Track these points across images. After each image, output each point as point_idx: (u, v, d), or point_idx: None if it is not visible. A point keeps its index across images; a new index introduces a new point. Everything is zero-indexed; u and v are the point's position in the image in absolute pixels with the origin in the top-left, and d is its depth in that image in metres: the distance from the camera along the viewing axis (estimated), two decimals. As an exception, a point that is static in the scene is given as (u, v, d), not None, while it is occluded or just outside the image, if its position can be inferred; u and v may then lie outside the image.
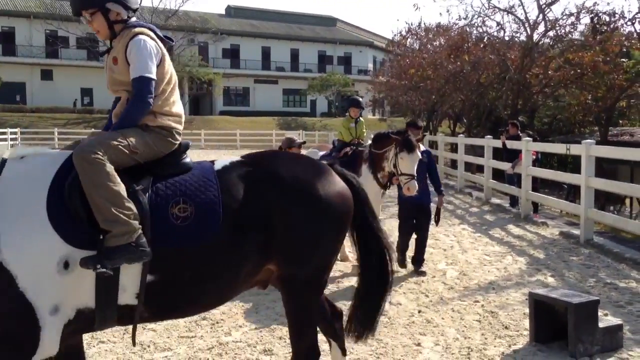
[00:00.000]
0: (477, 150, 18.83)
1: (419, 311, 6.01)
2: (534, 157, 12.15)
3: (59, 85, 53.22)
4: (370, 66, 66.12)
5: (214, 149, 40.46)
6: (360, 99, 8.85)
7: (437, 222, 7.76)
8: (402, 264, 7.60)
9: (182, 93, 56.55)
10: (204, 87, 57.12)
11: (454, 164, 20.42)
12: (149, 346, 5.02)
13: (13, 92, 50.63)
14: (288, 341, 5.13)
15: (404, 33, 32.44)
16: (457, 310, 6.04)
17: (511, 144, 12.73)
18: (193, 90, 59.01)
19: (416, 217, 7.55)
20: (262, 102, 62.25)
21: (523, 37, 23.87)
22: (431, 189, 7.85)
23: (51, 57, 53.43)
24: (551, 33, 23.14)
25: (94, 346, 4.99)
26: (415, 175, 6.87)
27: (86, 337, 5.12)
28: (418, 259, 7.59)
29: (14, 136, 38.41)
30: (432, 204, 7.77)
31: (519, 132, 13.30)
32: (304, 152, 8.62)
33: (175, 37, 53.48)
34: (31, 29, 52.07)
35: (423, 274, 7.43)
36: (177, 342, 5.11)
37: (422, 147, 7.33)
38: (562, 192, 17.65)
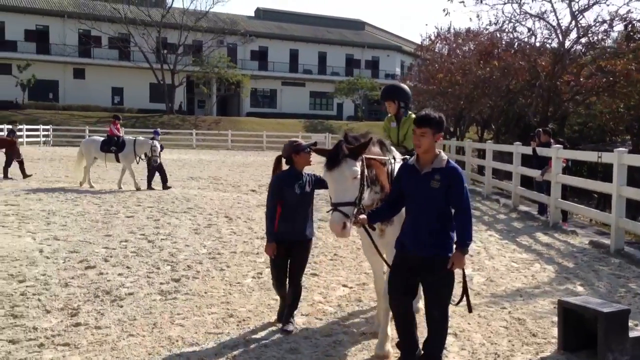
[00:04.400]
0: (505, 157, 18.65)
1: (445, 316, 5.97)
2: (564, 164, 12.01)
3: (90, 84, 54.16)
4: (398, 70, 65.95)
5: (241, 150, 40.77)
6: (404, 86, 5.99)
7: (468, 305, 4.40)
8: None
9: (211, 94, 57.25)
10: (232, 89, 57.59)
11: (481, 170, 20.25)
12: (177, 341, 5.09)
13: (46, 89, 51.75)
14: (314, 340, 5.19)
15: (432, 38, 32.27)
16: (484, 316, 6.01)
17: (541, 151, 12.59)
18: (221, 91, 59.60)
19: (421, 280, 4.37)
20: (289, 104, 62.52)
21: (554, 44, 23.58)
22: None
23: (84, 56, 54.48)
24: (583, 40, 22.81)
25: (123, 339, 5.08)
26: (341, 203, 4.25)
27: (116, 331, 5.23)
28: (427, 355, 4.35)
29: (46, 133, 39.22)
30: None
31: (551, 139, 13.12)
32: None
33: (205, 39, 54.20)
34: (65, 28, 53.19)
35: None
36: (204, 338, 5.17)
37: (444, 158, 4.18)
38: (592, 201, 17.40)
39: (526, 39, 24.92)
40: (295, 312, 5.55)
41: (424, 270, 4.23)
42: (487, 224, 12.10)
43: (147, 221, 11.04)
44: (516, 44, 25.29)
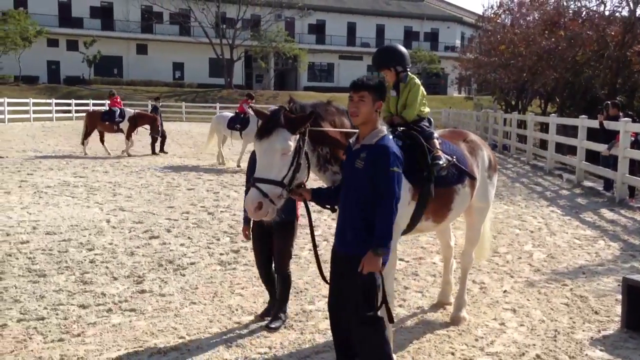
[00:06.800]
0: (569, 131, 18.02)
1: (504, 292, 5.91)
2: (633, 138, 11.52)
3: (152, 60, 55.43)
4: (458, 42, 64.37)
5: (298, 124, 40.97)
6: (397, 47, 4.63)
7: (388, 315, 3.51)
8: None
9: (268, 68, 57.57)
10: (290, 63, 57.67)
11: (543, 144, 19.66)
12: (237, 309, 5.24)
13: (111, 65, 53.31)
14: (370, 313, 5.22)
15: (495, 8, 31.33)
16: (544, 292, 5.90)
17: (609, 125, 12.11)
18: (279, 65, 59.82)
19: (344, 280, 3.58)
20: (346, 78, 61.99)
21: (625, 12, 22.49)
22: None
23: (146, 32, 55.67)
24: (657, 7, 21.66)
25: (186, 306, 5.27)
26: (262, 179, 3.58)
27: (179, 298, 5.42)
28: None
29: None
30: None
31: (620, 113, 12.56)
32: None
33: (263, 13, 54.39)
34: (128, 5, 54.38)
35: None
36: (263, 307, 5.28)
37: (381, 134, 3.53)
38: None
39: (595, 8, 23.90)
40: (286, 307, 4.98)
41: (346, 272, 3.50)
42: (549, 199, 11.79)
43: (207, 194, 11.32)
44: (584, 12, 24.30)
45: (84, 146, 17.91)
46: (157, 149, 18.62)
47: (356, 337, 3.54)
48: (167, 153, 18.48)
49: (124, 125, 17.99)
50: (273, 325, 4.82)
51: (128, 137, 18.02)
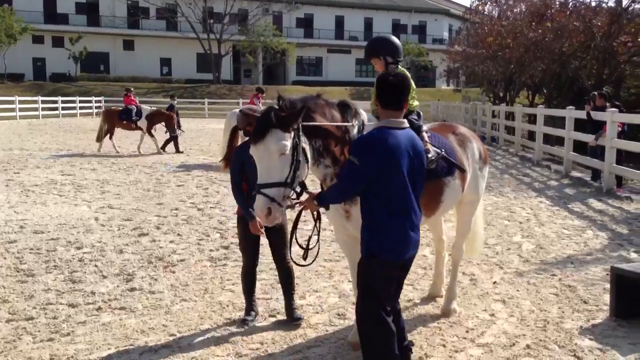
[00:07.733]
0: (557, 122, 18.12)
1: (494, 283, 5.94)
2: (620, 129, 11.60)
3: (139, 55, 55.09)
4: (446, 35, 64.50)
5: (287, 119, 40.86)
6: (391, 38, 4.55)
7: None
8: None
9: (257, 63, 57.40)
10: (278, 57, 57.53)
11: (531, 135, 19.77)
12: (227, 306, 5.23)
13: (97, 61, 52.93)
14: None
15: (482, -1, 31.38)
16: (533, 283, 5.93)
17: (596, 115, 12.18)
18: (267, 60, 59.60)
19: None
20: (334, 72, 62.10)
21: (611, 3, 22.62)
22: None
23: (133, 28, 55.29)
24: (643, -2, 21.77)
25: (177, 304, 5.25)
26: (265, 184, 3.47)
27: (169, 296, 5.41)
28: None
29: (98, 104, 40.21)
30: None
31: (606, 103, 12.65)
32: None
33: (251, 7, 54.17)
34: (114, 0, 53.90)
35: None
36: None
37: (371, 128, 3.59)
38: (648, 166, 16.79)
39: (581, -1, 24.00)
40: (294, 296, 5.01)
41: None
42: (538, 190, 11.85)
43: (197, 190, 11.28)
44: (571, 4, 24.39)
45: (100, 143, 17.69)
46: (169, 147, 18.36)
47: (360, 334, 3.57)
48: (182, 152, 18.09)
49: (142, 124, 17.80)
50: (297, 316, 4.87)
51: (149, 134, 17.84)
